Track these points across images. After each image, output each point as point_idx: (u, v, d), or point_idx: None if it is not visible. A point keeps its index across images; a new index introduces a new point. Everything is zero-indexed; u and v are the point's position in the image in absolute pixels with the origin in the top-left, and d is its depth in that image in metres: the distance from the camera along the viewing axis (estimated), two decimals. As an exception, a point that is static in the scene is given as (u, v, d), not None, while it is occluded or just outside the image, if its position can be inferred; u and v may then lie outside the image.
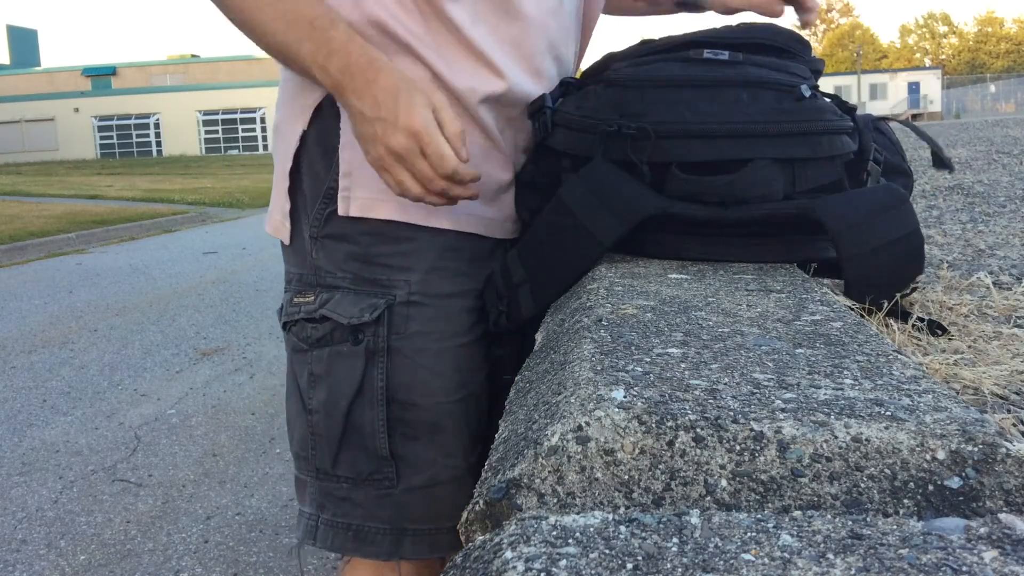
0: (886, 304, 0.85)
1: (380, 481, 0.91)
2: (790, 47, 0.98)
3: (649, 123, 0.88)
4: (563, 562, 0.39)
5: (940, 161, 1.05)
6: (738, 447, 0.48)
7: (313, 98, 0.90)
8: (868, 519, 0.43)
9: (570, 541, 0.41)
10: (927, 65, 58.48)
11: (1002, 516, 0.43)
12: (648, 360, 0.60)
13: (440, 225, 0.91)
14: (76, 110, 36.27)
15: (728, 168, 0.88)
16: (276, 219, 0.96)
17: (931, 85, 45.06)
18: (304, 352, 0.93)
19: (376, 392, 0.89)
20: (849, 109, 0.97)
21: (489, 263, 0.96)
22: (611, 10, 1.25)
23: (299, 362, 0.93)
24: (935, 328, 0.84)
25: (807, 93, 0.89)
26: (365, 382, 0.89)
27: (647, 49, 1.00)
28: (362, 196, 0.89)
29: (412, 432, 0.90)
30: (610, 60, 1.02)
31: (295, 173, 0.93)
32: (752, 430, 0.48)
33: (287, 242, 0.95)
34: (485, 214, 0.96)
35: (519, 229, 1.01)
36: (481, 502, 0.50)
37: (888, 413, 0.50)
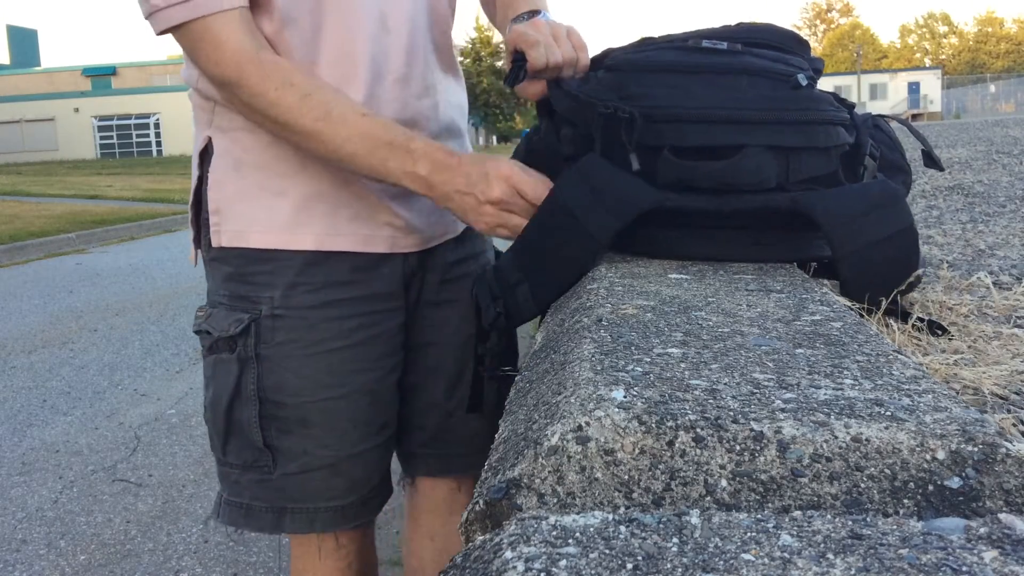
0: (884, 303, 0.85)
1: (261, 468, 1.05)
2: (789, 46, 0.98)
3: (645, 106, 0.88)
4: (563, 562, 0.39)
5: (931, 160, 1.05)
6: (738, 447, 0.48)
7: (200, 142, 1.05)
8: (868, 519, 0.43)
9: (570, 541, 0.41)
10: (927, 65, 58.48)
11: (1002, 516, 0.43)
12: (648, 360, 0.60)
13: (299, 247, 1.02)
14: (76, 110, 36.26)
15: (721, 154, 0.88)
16: (191, 246, 1.12)
17: (931, 85, 45.07)
18: (203, 358, 1.08)
19: (249, 393, 1.02)
20: (846, 105, 0.97)
21: (376, 273, 1.06)
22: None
23: (202, 365, 1.09)
24: (935, 328, 0.84)
25: (804, 82, 0.89)
26: (241, 385, 1.03)
27: (645, 47, 1.01)
28: (230, 229, 1.03)
29: (285, 426, 1.03)
30: (609, 51, 1.03)
31: (195, 206, 1.08)
32: (752, 430, 0.48)
33: (193, 265, 1.12)
34: (358, 231, 1.05)
35: (417, 242, 1.10)
36: (481, 502, 0.50)
37: (888, 413, 0.50)
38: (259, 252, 1.02)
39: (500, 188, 0.93)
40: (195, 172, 1.06)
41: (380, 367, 1.08)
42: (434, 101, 1.09)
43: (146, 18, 0.95)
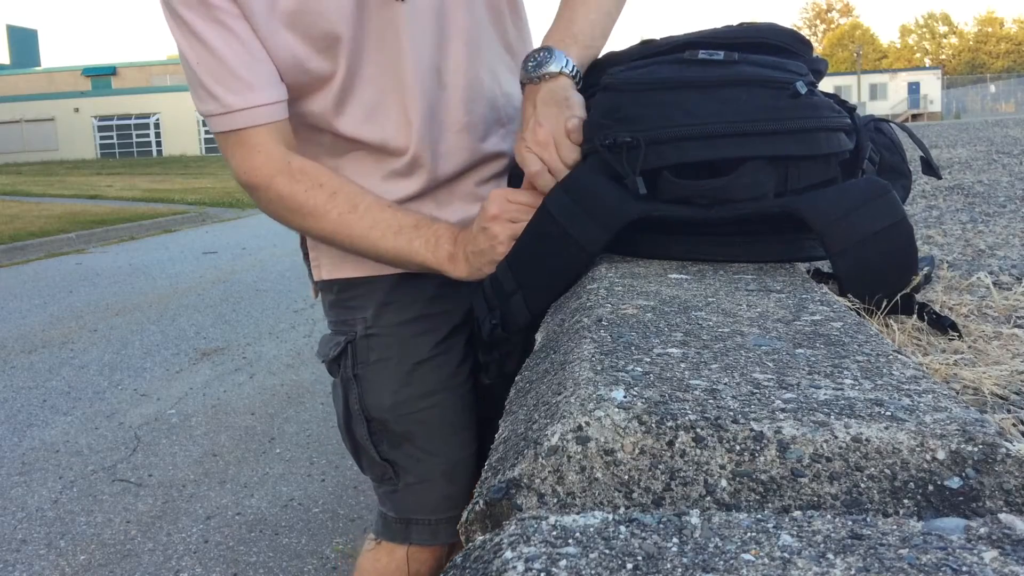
0: (886, 304, 0.85)
1: (388, 480, 1.12)
2: (790, 46, 0.98)
3: (644, 129, 0.89)
4: (563, 562, 0.39)
5: (929, 168, 1.05)
6: (738, 447, 0.48)
7: None
8: (868, 519, 0.43)
9: (570, 541, 0.41)
10: (927, 65, 58.47)
11: (1002, 516, 0.43)
12: (648, 360, 0.60)
13: (384, 273, 1.09)
14: (76, 110, 36.26)
15: (721, 169, 0.88)
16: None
17: (931, 85, 45.06)
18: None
19: (356, 412, 1.09)
20: (848, 108, 0.97)
21: (457, 292, 1.09)
22: None
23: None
24: (948, 325, 0.84)
25: (803, 90, 0.89)
26: (349, 405, 1.10)
27: (646, 51, 1.01)
28: (327, 262, 1.12)
29: (394, 441, 1.09)
30: (608, 63, 1.02)
31: (303, 244, 1.18)
32: (752, 430, 0.48)
33: (313, 296, 1.22)
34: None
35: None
36: (481, 502, 0.50)
37: (888, 413, 0.50)
38: (354, 279, 1.09)
39: (495, 203, 0.97)
40: None
41: (462, 372, 1.13)
42: (507, 130, 1.13)
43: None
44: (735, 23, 1.02)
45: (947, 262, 1.31)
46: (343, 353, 1.09)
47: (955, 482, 0.46)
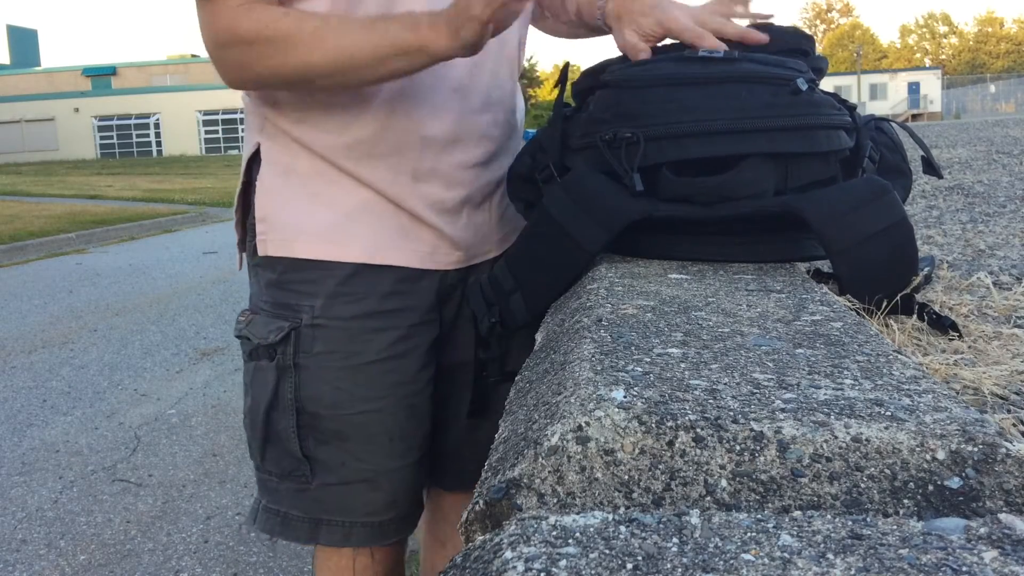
0: (886, 304, 0.85)
1: (298, 477, 1.03)
2: (792, 44, 0.98)
3: (644, 125, 0.88)
4: (563, 562, 0.39)
5: (930, 167, 1.05)
6: (738, 447, 0.48)
7: (249, 148, 1.05)
8: (868, 519, 0.43)
9: (570, 541, 0.41)
10: (927, 65, 58.48)
11: (1002, 516, 0.43)
12: (648, 360, 0.60)
13: (345, 259, 1.01)
14: (76, 110, 36.26)
15: (721, 166, 0.88)
16: (236, 248, 1.13)
17: (931, 85, 45.05)
18: (244, 364, 1.07)
19: (287, 402, 1.01)
20: (848, 106, 0.97)
21: (416, 286, 1.05)
22: (545, 30, 1.31)
23: (243, 372, 1.08)
24: (948, 325, 0.83)
25: (803, 87, 0.89)
26: (278, 393, 1.02)
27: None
28: (276, 237, 1.02)
29: (322, 438, 1.01)
30: (608, 63, 1.02)
31: (242, 210, 1.08)
32: (752, 430, 0.48)
33: (239, 269, 1.11)
34: (404, 245, 1.03)
35: (467, 258, 1.09)
36: (481, 502, 0.50)
37: (888, 413, 0.50)
38: (304, 261, 1.01)
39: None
40: (242, 177, 1.06)
41: (418, 380, 1.06)
42: (494, 115, 1.11)
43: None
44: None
45: (947, 262, 1.31)
46: (285, 339, 1.01)
47: (955, 482, 0.46)
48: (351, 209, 1.01)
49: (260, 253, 1.02)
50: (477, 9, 0.86)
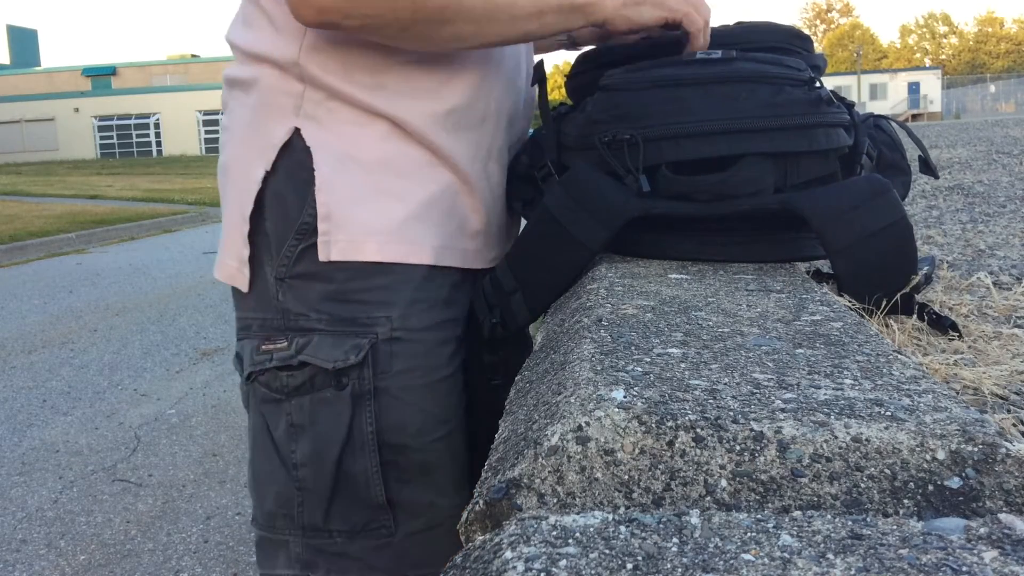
0: (886, 303, 0.85)
1: (377, 531, 0.86)
2: (789, 44, 0.98)
3: (642, 126, 0.89)
4: (563, 562, 0.39)
5: (927, 167, 1.05)
6: (738, 447, 0.48)
7: (279, 135, 0.85)
8: (868, 519, 0.43)
9: (570, 541, 0.41)
10: (927, 65, 58.50)
11: (1002, 516, 0.43)
12: (648, 360, 0.60)
13: (420, 261, 0.88)
14: (76, 110, 36.26)
15: (720, 164, 0.88)
16: (231, 266, 0.90)
17: (931, 85, 45.06)
18: (278, 403, 0.86)
19: (366, 438, 0.85)
20: (846, 104, 0.97)
21: (461, 292, 0.94)
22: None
23: (272, 413, 0.87)
24: (948, 325, 0.84)
25: (803, 86, 0.89)
26: (354, 428, 0.85)
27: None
28: (343, 239, 0.85)
29: (406, 476, 0.87)
30: (606, 48, 1.03)
31: (255, 216, 0.87)
32: (752, 430, 0.48)
33: (245, 289, 0.89)
34: (466, 246, 0.94)
35: (495, 257, 0.99)
36: (481, 502, 0.50)
37: (888, 413, 0.50)
38: (373, 265, 0.85)
39: None
40: (258, 172, 0.86)
41: (464, 396, 0.95)
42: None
43: None
44: (732, 23, 1.03)
45: (947, 262, 1.31)
46: (364, 361, 0.84)
47: (955, 482, 0.46)
48: (421, 204, 0.88)
49: (322, 258, 0.85)
50: (674, 3, 0.83)
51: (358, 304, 0.85)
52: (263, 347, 0.86)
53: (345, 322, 0.85)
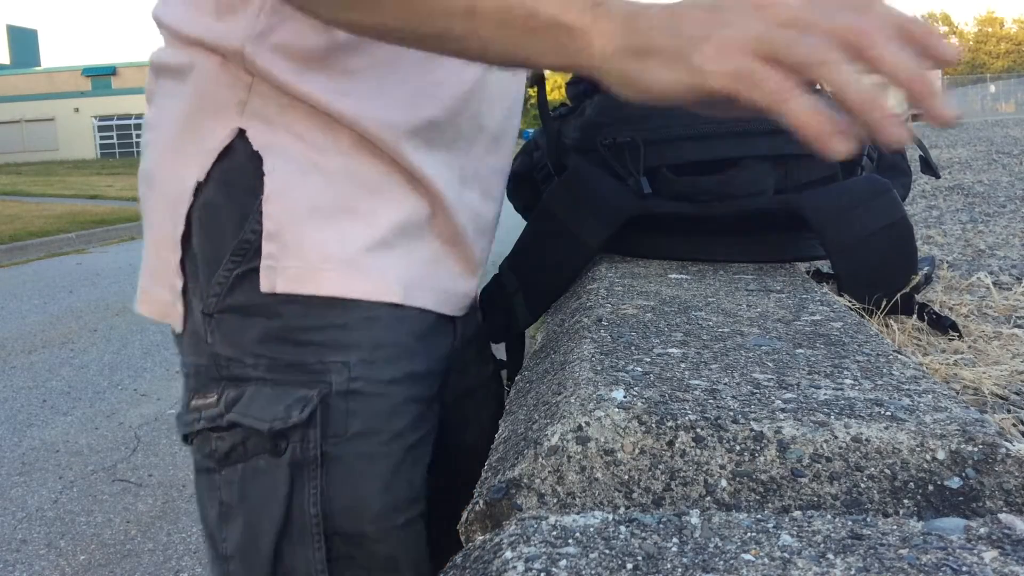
0: (886, 303, 0.85)
1: None
2: None
3: (643, 129, 0.89)
4: (563, 562, 0.39)
5: (927, 167, 1.05)
6: (738, 447, 0.48)
7: (219, 137, 0.66)
8: (868, 519, 0.43)
9: (570, 541, 0.41)
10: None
11: (1002, 516, 0.43)
12: (648, 360, 0.60)
13: (388, 299, 0.68)
14: (76, 110, 36.27)
15: (721, 165, 0.88)
16: (162, 299, 0.70)
17: (931, 85, 44.94)
18: (210, 474, 0.67)
19: (308, 521, 0.65)
20: None
21: (434, 342, 0.74)
22: None
23: (205, 488, 0.69)
24: (948, 325, 0.84)
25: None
26: (293, 508, 0.65)
27: None
28: (294, 266, 0.65)
29: (362, 571, 0.67)
30: None
31: (186, 238, 0.68)
32: (752, 430, 0.48)
33: (179, 328, 0.70)
34: (442, 286, 0.74)
35: (469, 306, 0.80)
36: (481, 502, 0.50)
37: (888, 413, 0.50)
38: (330, 300, 0.66)
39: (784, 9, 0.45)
40: (190, 182, 0.66)
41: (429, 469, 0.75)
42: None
43: None
44: None
45: (947, 262, 1.31)
46: (310, 418, 0.64)
47: (955, 482, 0.46)
48: (394, 225, 0.69)
49: (266, 288, 0.65)
50: (708, 60, 0.45)
51: (308, 347, 0.65)
52: (192, 403, 0.69)
53: (290, 369, 0.65)
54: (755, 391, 0.54)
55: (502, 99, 0.78)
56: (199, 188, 0.67)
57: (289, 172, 0.66)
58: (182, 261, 0.69)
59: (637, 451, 0.48)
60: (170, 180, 0.68)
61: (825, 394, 0.53)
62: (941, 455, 0.47)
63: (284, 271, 0.65)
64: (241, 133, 0.66)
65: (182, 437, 0.71)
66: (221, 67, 0.67)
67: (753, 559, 0.38)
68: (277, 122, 0.66)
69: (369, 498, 0.66)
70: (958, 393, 0.66)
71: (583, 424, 0.49)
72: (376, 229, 0.68)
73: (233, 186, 0.66)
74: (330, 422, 0.65)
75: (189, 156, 0.67)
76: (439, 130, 0.71)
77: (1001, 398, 0.66)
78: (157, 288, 0.71)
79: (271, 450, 0.65)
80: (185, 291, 0.69)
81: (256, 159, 0.66)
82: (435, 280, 0.73)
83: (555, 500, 0.48)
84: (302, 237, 0.66)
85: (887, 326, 0.85)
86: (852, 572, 0.37)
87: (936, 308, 0.95)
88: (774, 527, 0.42)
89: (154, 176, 0.70)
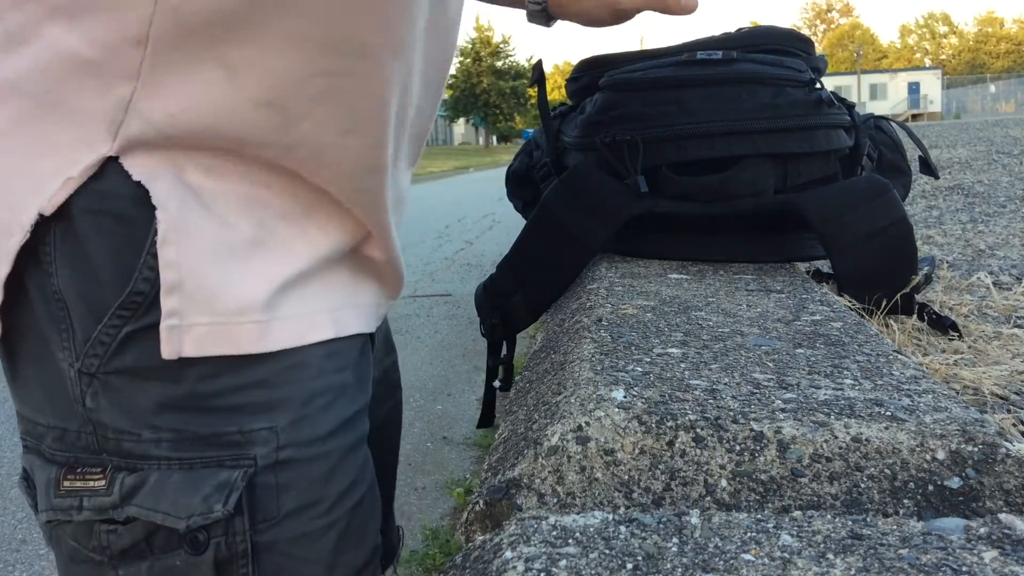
0: (886, 303, 0.85)
1: None
2: (791, 46, 0.98)
3: (643, 127, 0.89)
4: (563, 562, 0.39)
5: (927, 167, 1.05)
6: (738, 447, 0.48)
7: (80, 162, 0.51)
8: (868, 519, 0.43)
9: (570, 541, 0.41)
10: (927, 65, 58.54)
11: (1002, 516, 0.43)
12: (648, 360, 0.60)
13: (320, 337, 0.57)
14: (76, 110, 36.29)
15: (722, 165, 0.88)
16: None
17: (931, 85, 45.08)
18: (99, 566, 0.54)
19: None
20: (847, 105, 0.97)
21: (363, 365, 0.62)
22: None
23: None
24: (948, 325, 0.84)
25: (803, 87, 0.89)
26: None
27: (644, 55, 1.01)
28: (203, 323, 0.52)
29: None
30: (606, 58, 1.03)
31: (19, 273, 0.53)
32: (752, 430, 0.48)
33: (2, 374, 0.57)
34: (374, 301, 0.63)
35: (383, 313, 0.66)
36: (481, 502, 0.50)
37: (888, 413, 0.50)
38: (251, 357, 0.54)
39: None
40: (25, 214, 0.51)
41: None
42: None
43: None
44: (734, 29, 1.03)
45: (947, 262, 1.31)
46: (238, 508, 0.52)
47: (955, 482, 0.46)
48: (322, 253, 0.57)
49: (169, 355, 0.51)
50: None
51: (221, 414, 0.53)
52: (65, 484, 0.55)
53: (201, 444, 0.53)
54: (755, 391, 0.54)
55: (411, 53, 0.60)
56: (49, 219, 0.52)
57: (186, 205, 0.52)
58: (5, 305, 0.54)
59: (637, 451, 0.48)
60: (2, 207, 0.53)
61: (825, 394, 0.53)
62: (941, 455, 0.47)
63: (191, 330, 0.52)
64: (112, 162, 0.51)
65: (44, 521, 0.56)
66: (84, 67, 0.50)
67: (753, 559, 0.38)
68: (154, 144, 0.52)
69: None
70: (958, 393, 0.66)
71: (583, 424, 0.49)
72: (296, 260, 0.56)
73: (109, 219, 0.52)
74: (258, 506, 0.53)
75: (34, 182, 0.52)
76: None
77: (1001, 398, 0.66)
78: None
79: (189, 547, 0.53)
80: (12, 338, 0.55)
81: (138, 188, 0.51)
82: (362, 296, 0.62)
83: (555, 500, 0.48)
84: (210, 285, 0.53)
85: (887, 326, 0.85)
86: (852, 572, 0.37)
87: (936, 308, 0.95)
88: (774, 527, 0.42)
89: None
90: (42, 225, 0.52)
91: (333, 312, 0.58)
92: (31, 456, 0.58)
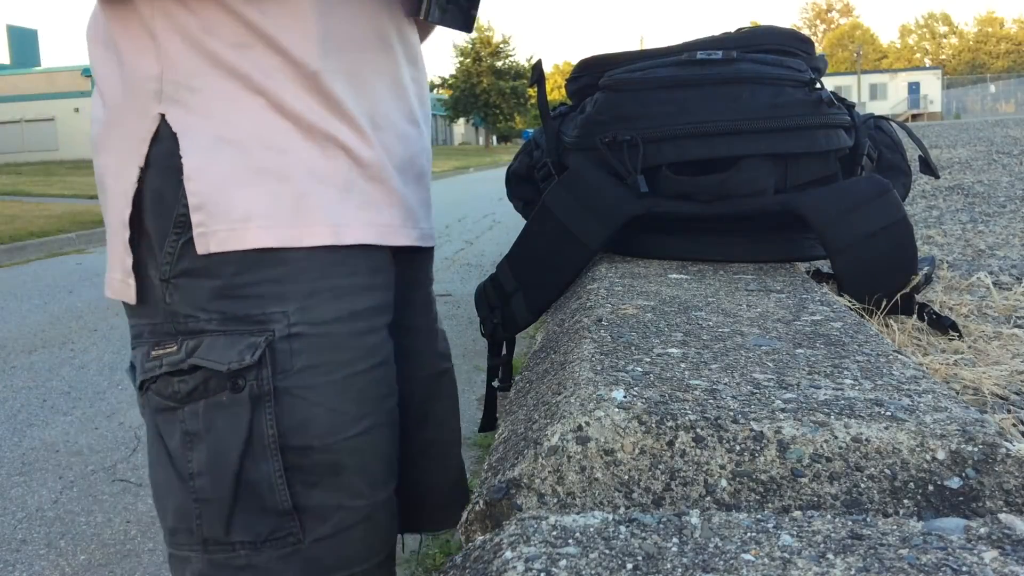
0: (886, 303, 0.85)
1: (284, 539, 0.80)
2: (791, 46, 0.98)
3: (643, 127, 0.89)
4: (563, 562, 0.39)
5: (927, 167, 1.05)
6: (738, 447, 0.48)
7: (146, 126, 0.78)
8: (868, 519, 0.43)
9: (570, 541, 0.41)
10: (927, 65, 58.55)
11: (1002, 516, 0.43)
12: (648, 360, 0.60)
13: (315, 242, 0.79)
14: (76, 110, 36.27)
15: (720, 166, 0.88)
16: (116, 279, 0.83)
17: (931, 85, 45.08)
18: (172, 411, 0.80)
19: (267, 441, 0.78)
20: (847, 105, 0.97)
21: (386, 275, 0.85)
22: None
23: (166, 422, 0.81)
24: (948, 325, 0.84)
25: (803, 87, 0.89)
26: (254, 432, 0.78)
27: (644, 55, 1.01)
28: (222, 228, 0.77)
29: (312, 479, 0.80)
30: (606, 65, 1.02)
31: (136, 218, 0.80)
32: (752, 430, 0.48)
33: (132, 301, 0.82)
34: (377, 220, 0.83)
35: (424, 234, 0.90)
36: (481, 502, 0.50)
37: (888, 413, 0.50)
38: (261, 254, 0.78)
39: None
40: (132, 170, 0.79)
41: (395, 391, 0.87)
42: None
43: None
44: (734, 30, 1.03)
45: (947, 262, 1.31)
46: (260, 360, 0.77)
47: (955, 482, 0.46)
48: (312, 176, 0.80)
49: (200, 251, 0.77)
50: None
51: (250, 300, 0.78)
52: (153, 353, 0.80)
53: (238, 320, 0.78)
54: (755, 391, 0.54)
55: (405, 49, 0.86)
56: (143, 174, 0.78)
57: (201, 150, 0.76)
58: (131, 240, 0.80)
59: (637, 451, 0.48)
60: (116, 171, 0.80)
61: (825, 394, 0.53)
62: (941, 455, 0.47)
63: (214, 235, 0.77)
64: (163, 118, 0.77)
65: (139, 385, 0.82)
66: (138, 57, 0.78)
67: (753, 559, 0.38)
68: (190, 103, 0.77)
69: (314, 419, 0.79)
70: (958, 393, 0.66)
71: (583, 424, 0.49)
72: (295, 183, 0.78)
73: (165, 168, 0.77)
74: (278, 361, 0.78)
75: (128, 152, 0.79)
76: (343, 41, 0.81)
77: (1001, 398, 0.66)
78: (115, 271, 0.84)
79: (231, 387, 0.78)
80: (136, 266, 0.81)
81: (176, 141, 0.77)
82: (367, 216, 0.82)
83: (555, 500, 0.48)
84: (224, 203, 0.77)
85: (887, 326, 0.85)
86: (852, 572, 0.37)
87: (936, 308, 0.95)
88: (774, 527, 0.42)
89: (103, 176, 0.83)
90: (141, 177, 0.78)
91: (333, 225, 0.80)
92: (134, 352, 0.85)
